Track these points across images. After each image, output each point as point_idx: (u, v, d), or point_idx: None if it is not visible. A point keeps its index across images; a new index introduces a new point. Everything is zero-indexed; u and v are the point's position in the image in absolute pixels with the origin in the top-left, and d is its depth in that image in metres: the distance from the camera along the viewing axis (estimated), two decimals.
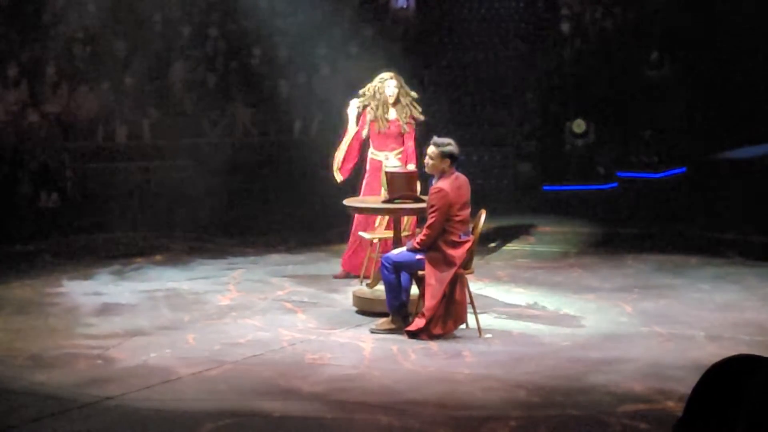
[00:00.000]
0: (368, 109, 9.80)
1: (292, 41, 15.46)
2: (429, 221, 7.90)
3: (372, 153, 9.88)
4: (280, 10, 15.70)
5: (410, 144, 9.85)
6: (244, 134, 15.48)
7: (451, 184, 7.93)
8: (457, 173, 8.03)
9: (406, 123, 9.78)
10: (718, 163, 14.72)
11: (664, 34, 15.56)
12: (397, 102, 9.77)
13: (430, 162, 8.02)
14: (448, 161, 7.97)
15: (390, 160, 9.31)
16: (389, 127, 9.78)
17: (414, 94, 9.88)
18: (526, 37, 15.84)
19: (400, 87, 9.77)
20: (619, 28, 15.87)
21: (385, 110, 9.78)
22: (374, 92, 9.75)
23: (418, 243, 7.96)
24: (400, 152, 9.79)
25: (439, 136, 8.16)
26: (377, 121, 9.77)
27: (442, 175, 7.99)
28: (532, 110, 15.62)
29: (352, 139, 9.85)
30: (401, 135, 9.83)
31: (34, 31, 15.10)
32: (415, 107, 9.84)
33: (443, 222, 7.87)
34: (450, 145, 8.02)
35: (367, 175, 9.87)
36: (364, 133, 9.86)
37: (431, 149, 8.03)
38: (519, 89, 15.62)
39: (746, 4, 15.02)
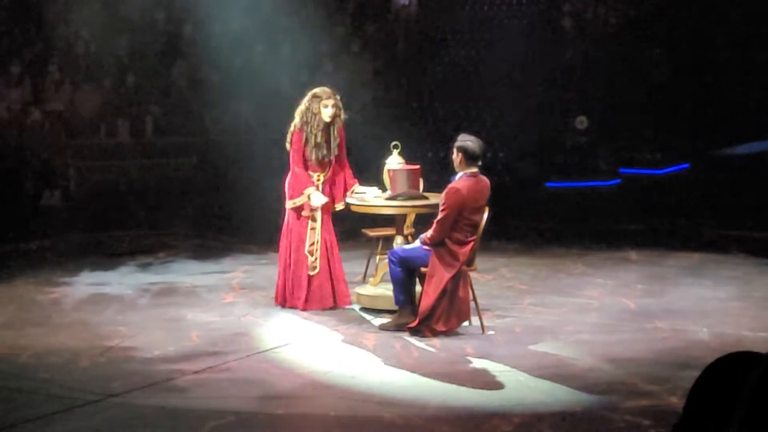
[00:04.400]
0: (304, 133, 8.69)
1: (295, 38, 15.44)
2: (438, 217, 7.83)
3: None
4: (282, 7, 15.68)
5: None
6: (246, 131, 15.47)
7: (469, 187, 7.79)
8: (480, 177, 7.90)
9: (336, 147, 8.76)
10: (721, 159, 14.69)
11: (667, 31, 15.54)
12: (332, 124, 8.72)
13: (453, 158, 7.93)
14: (461, 156, 7.84)
15: (393, 157, 9.03)
16: (323, 158, 8.75)
17: (343, 114, 8.79)
18: (528, 33, 15.82)
19: (337, 107, 8.70)
20: (622, 25, 15.85)
21: (321, 136, 8.70)
22: (310, 116, 8.64)
23: (428, 239, 7.88)
24: (325, 178, 8.81)
25: (464, 133, 8.10)
26: (316, 148, 8.68)
27: (463, 174, 7.86)
28: (535, 107, 15.59)
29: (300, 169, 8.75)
30: (331, 161, 8.84)
31: (37, 29, 15.11)
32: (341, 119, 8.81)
33: (452, 221, 7.79)
34: (468, 141, 7.86)
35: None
36: (309, 153, 8.72)
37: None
38: (522, 86, 15.60)
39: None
